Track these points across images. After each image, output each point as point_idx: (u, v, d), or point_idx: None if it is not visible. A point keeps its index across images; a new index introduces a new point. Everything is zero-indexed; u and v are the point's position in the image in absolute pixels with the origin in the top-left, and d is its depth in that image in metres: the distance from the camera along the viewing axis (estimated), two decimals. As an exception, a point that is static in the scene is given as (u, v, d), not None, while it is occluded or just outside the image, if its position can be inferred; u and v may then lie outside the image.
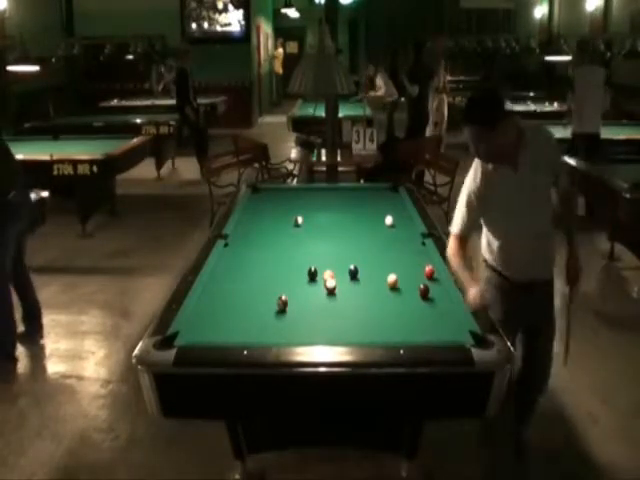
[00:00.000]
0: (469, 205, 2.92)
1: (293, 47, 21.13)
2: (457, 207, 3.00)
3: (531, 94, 12.31)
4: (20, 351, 4.49)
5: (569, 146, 6.96)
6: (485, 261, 3.09)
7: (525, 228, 2.87)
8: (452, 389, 2.36)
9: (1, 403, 3.82)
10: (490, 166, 2.83)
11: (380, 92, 11.64)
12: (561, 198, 3.00)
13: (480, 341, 2.39)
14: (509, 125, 2.73)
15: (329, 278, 2.96)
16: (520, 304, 2.93)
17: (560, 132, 7.20)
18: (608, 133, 7.64)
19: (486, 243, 3.06)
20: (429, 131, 10.01)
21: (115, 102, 12.02)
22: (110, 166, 6.78)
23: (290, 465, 3.09)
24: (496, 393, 2.30)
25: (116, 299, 5.28)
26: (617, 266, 5.93)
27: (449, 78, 11.22)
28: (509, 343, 2.41)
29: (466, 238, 2.98)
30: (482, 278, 3.07)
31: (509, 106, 11.15)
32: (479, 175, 2.87)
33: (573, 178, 3.05)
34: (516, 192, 2.81)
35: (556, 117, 7.87)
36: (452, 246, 2.98)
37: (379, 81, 11.62)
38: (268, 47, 18.33)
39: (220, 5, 14.22)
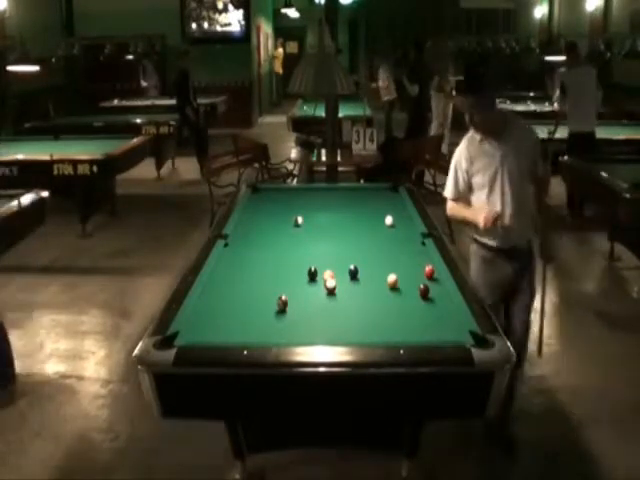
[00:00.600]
0: (459, 173, 3.27)
1: (293, 47, 21.13)
2: (448, 176, 3.35)
3: (531, 94, 12.30)
4: (20, 351, 4.49)
5: (566, 146, 6.94)
6: (473, 238, 3.38)
7: (506, 198, 3.19)
8: (452, 389, 2.36)
9: (1, 403, 3.82)
10: (478, 139, 3.21)
11: (380, 84, 11.66)
12: (538, 184, 3.34)
13: (480, 341, 2.39)
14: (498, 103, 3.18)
15: (329, 278, 2.96)
16: (503, 271, 3.26)
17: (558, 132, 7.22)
18: (608, 133, 7.64)
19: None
20: (434, 129, 10.00)
21: (115, 102, 12.03)
22: (110, 166, 6.78)
23: (290, 465, 3.09)
24: (496, 393, 2.31)
25: (116, 299, 5.28)
26: (617, 266, 5.93)
27: (452, 78, 11.23)
28: (495, 318, 2.54)
29: (459, 201, 3.33)
30: (470, 253, 3.40)
31: (509, 106, 11.18)
32: (468, 147, 3.24)
33: (549, 167, 3.57)
34: (499, 165, 3.17)
35: (554, 117, 7.86)
36: (450, 205, 3.36)
37: (381, 74, 11.64)
38: (268, 47, 18.33)
39: (220, 5, 14.22)
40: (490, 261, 3.28)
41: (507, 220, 3.19)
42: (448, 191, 3.34)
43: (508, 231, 3.21)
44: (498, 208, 3.17)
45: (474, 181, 3.24)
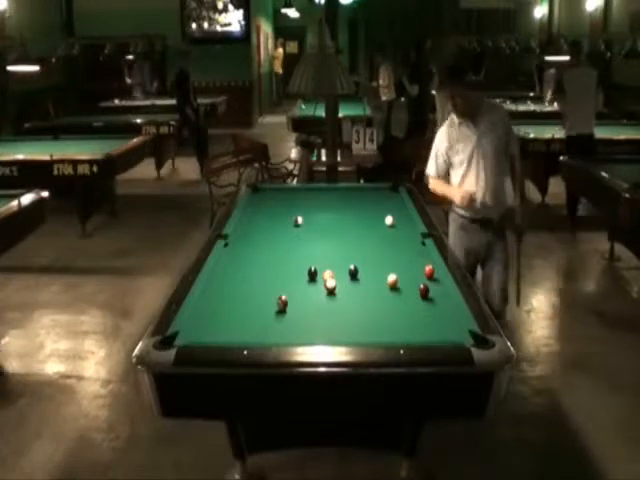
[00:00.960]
0: (440, 152, 3.73)
1: (293, 47, 21.15)
2: (430, 156, 3.80)
3: (531, 94, 12.30)
4: (20, 351, 4.50)
5: (565, 148, 6.92)
6: (452, 210, 3.86)
7: (481, 175, 3.64)
8: (452, 389, 2.35)
9: (1, 403, 3.82)
10: (457, 122, 3.66)
11: (380, 83, 11.66)
12: (511, 165, 3.75)
13: (480, 341, 2.39)
14: (478, 91, 3.70)
15: (329, 278, 2.95)
16: (476, 239, 3.73)
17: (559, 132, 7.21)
18: (608, 133, 7.64)
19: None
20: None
21: (115, 102, 12.02)
22: (110, 166, 6.78)
23: (290, 465, 3.09)
24: (496, 393, 2.30)
25: (116, 299, 5.28)
26: (617, 266, 5.94)
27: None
28: (472, 278, 2.75)
29: (440, 177, 3.79)
30: (449, 220, 3.89)
31: (509, 106, 11.19)
32: (448, 129, 3.70)
33: (520, 151, 3.91)
34: (476, 145, 3.61)
35: (557, 117, 7.85)
36: (433, 182, 3.83)
37: (382, 73, 11.64)
38: (268, 47, 18.33)
39: (220, 5, 14.23)
40: (465, 229, 3.76)
41: (482, 195, 3.63)
42: (431, 169, 3.81)
43: (482, 205, 3.65)
44: (474, 184, 3.63)
45: (453, 160, 3.69)
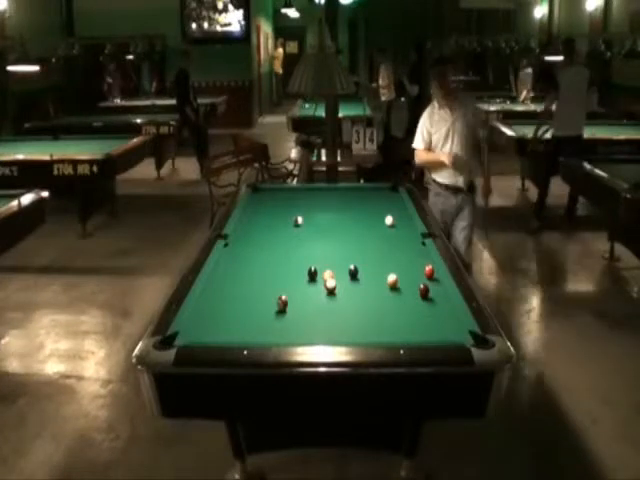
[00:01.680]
0: (424, 130, 4.65)
1: (293, 47, 21.16)
2: (417, 132, 4.70)
3: (531, 94, 12.30)
4: (20, 351, 4.50)
5: (552, 149, 6.84)
6: (430, 182, 4.80)
7: (453, 150, 4.55)
8: (452, 389, 2.35)
9: (1, 403, 3.82)
10: (437, 108, 4.61)
11: (380, 83, 11.66)
12: (479, 144, 4.70)
13: (480, 341, 2.39)
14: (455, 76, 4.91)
15: (329, 278, 2.95)
16: (449, 202, 4.69)
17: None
18: (608, 133, 7.64)
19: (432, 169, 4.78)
20: None
21: (115, 102, 12.01)
22: (110, 166, 6.78)
23: (290, 465, 3.09)
24: (496, 393, 2.30)
25: (116, 299, 5.28)
26: (617, 266, 5.94)
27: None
28: (446, 238, 3.07)
29: (426, 150, 4.66)
30: (429, 192, 4.83)
31: (509, 106, 11.21)
32: (430, 112, 4.65)
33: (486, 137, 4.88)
34: (450, 127, 4.55)
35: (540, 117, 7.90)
36: (420, 152, 4.72)
37: (382, 72, 11.64)
38: (268, 47, 18.33)
39: (220, 5, 14.23)
40: (440, 195, 4.71)
41: (453, 165, 4.56)
42: (418, 143, 4.70)
43: (453, 173, 4.62)
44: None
45: (433, 137, 4.61)
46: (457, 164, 4.55)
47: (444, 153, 4.57)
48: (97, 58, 12.88)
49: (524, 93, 11.80)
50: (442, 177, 4.68)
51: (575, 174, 6.16)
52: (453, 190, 4.66)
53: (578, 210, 7.14)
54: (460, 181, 4.65)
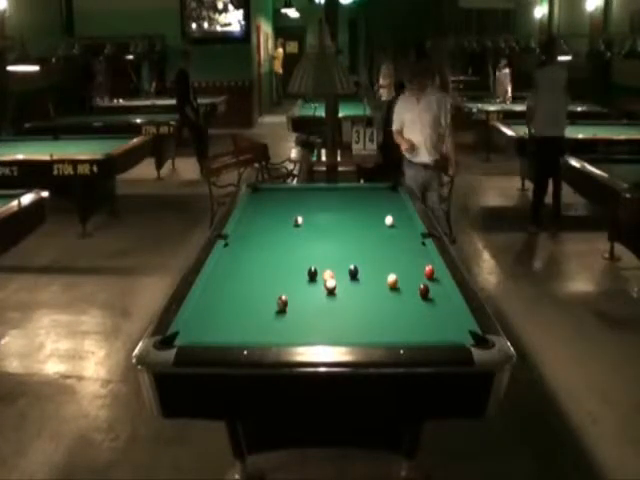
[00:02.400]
0: (399, 115, 5.67)
1: (293, 47, 21.16)
2: (393, 117, 5.74)
3: (531, 94, 12.29)
4: (20, 351, 4.50)
5: (534, 149, 6.78)
6: (405, 158, 5.75)
7: (423, 132, 5.55)
8: (452, 389, 2.35)
9: (1, 403, 3.82)
10: (408, 96, 5.65)
11: (380, 82, 11.66)
12: (444, 130, 5.61)
13: (480, 341, 2.39)
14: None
15: (329, 278, 2.95)
16: (420, 175, 5.67)
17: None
18: (608, 133, 7.65)
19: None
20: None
21: (115, 102, 12.01)
22: (110, 166, 6.78)
23: (290, 465, 3.09)
24: (496, 393, 2.30)
25: (116, 299, 5.28)
26: (617, 266, 5.94)
27: (452, 78, 11.25)
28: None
29: (400, 132, 5.67)
30: (405, 166, 5.81)
31: (508, 106, 11.22)
32: (403, 99, 5.74)
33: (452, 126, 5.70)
34: (419, 113, 5.53)
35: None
36: (396, 134, 5.71)
37: (383, 71, 11.64)
38: (268, 47, 18.33)
39: (220, 5, 14.22)
40: (412, 168, 5.72)
41: (422, 145, 5.57)
42: (395, 125, 5.70)
43: (422, 152, 5.60)
44: (417, 137, 5.56)
45: (405, 121, 5.60)
46: (417, 146, 5.59)
47: (406, 141, 5.59)
48: (97, 58, 12.88)
49: (504, 94, 11.83)
50: (413, 155, 5.67)
51: (575, 174, 6.16)
52: (421, 166, 5.67)
53: (577, 210, 7.14)
54: (426, 157, 5.63)
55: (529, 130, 6.93)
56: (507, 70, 12.21)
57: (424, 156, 5.61)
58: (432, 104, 5.52)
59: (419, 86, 5.55)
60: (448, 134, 5.66)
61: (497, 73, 12.51)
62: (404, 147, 5.58)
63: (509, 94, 11.77)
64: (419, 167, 5.65)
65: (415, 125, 5.54)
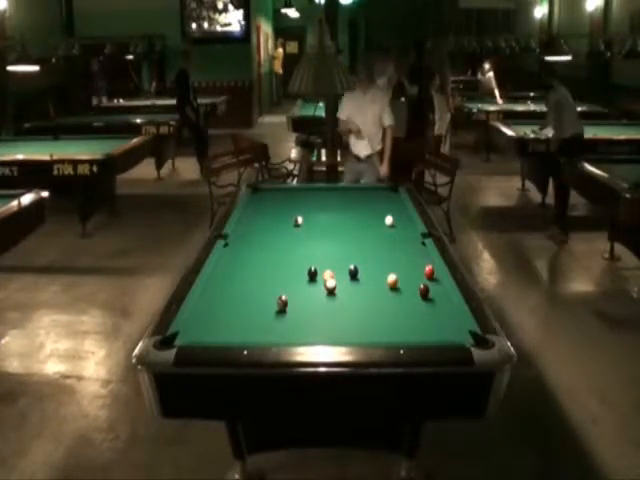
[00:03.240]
0: (344, 106, 6.00)
1: (293, 47, 21.14)
2: (340, 108, 6.08)
3: (531, 94, 12.31)
4: (20, 351, 4.50)
5: (559, 150, 6.83)
6: (348, 150, 6.11)
7: (363, 127, 5.85)
8: (452, 389, 2.36)
9: (1, 403, 3.82)
10: (354, 92, 5.81)
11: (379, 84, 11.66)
12: (384, 127, 5.90)
13: (480, 341, 2.39)
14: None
15: (329, 278, 2.95)
16: (357, 167, 6.05)
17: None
18: (608, 133, 7.64)
19: (349, 137, 6.09)
20: (437, 130, 10.01)
21: (115, 102, 12.01)
22: (110, 166, 6.77)
23: (290, 465, 3.09)
24: (496, 393, 2.30)
25: (116, 299, 5.28)
26: (617, 266, 5.94)
27: (452, 78, 11.24)
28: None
29: (345, 122, 5.99)
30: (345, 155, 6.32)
31: (508, 106, 11.22)
32: (349, 95, 5.89)
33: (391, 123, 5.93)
34: (361, 107, 5.86)
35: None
36: (341, 122, 6.04)
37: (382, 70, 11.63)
38: (268, 47, 18.33)
39: (220, 5, 14.22)
40: (350, 160, 6.10)
41: (362, 138, 5.89)
42: (341, 115, 6.02)
43: (360, 144, 5.94)
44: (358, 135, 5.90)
45: (348, 114, 5.92)
46: (360, 134, 5.89)
47: (353, 123, 5.90)
48: (97, 58, 12.89)
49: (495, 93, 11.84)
50: (354, 148, 6.02)
51: (575, 174, 6.15)
52: (357, 159, 6.00)
53: (577, 210, 7.13)
54: (366, 152, 5.94)
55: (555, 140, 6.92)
56: (491, 74, 12.21)
57: (361, 148, 5.93)
58: (376, 99, 5.88)
59: (367, 80, 5.94)
60: (388, 133, 5.89)
61: (480, 77, 12.49)
62: (352, 128, 5.87)
63: (498, 98, 11.73)
64: (356, 159, 6.00)
65: (357, 117, 5.84)
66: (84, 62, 12.59)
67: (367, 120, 5.81)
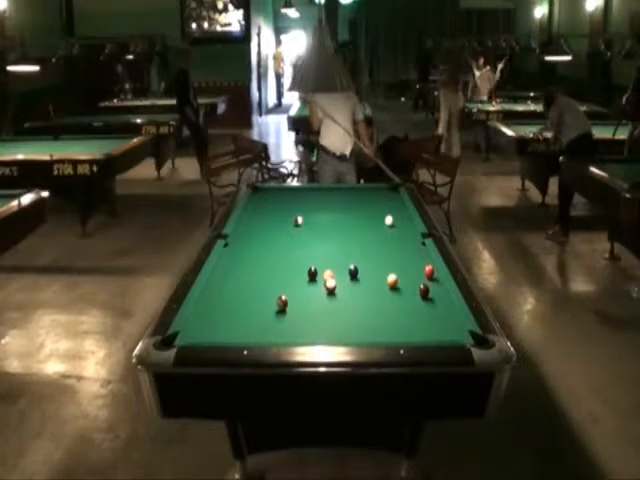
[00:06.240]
0: (319, 104, 5.84)
1: (293, 47, 21.13)
2: (309, 108, 6.11)
3: (531, 94, 12.31)
4: (20, 351, 4.50)
5: (570, 149, 6.84)
6: (322, 147, 5.98)
7: (341, 121, 5.78)
8: (452, 389, 2.35)
9: (1, 403, 3.82)
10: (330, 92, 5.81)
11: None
12: (358, 123, 6.02)
13: (480, 341, 2.39)
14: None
15: (329, 278, 2.95)
16: (335, 168, 5.92)
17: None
18: (608, 133, 7.64)
19: (322, 136, 5.98)
20: (441, 129, 10.04)
21: (115, 102, 12.00)
22: (110, 166, 6.77)
23: (290, 465, 3.09)
24: (496, 393, 2.30)
25: (116, 299, 5.28)
26: (617, 266, 5.93)
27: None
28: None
29: (320, 119, 5.95)
30: (319, 159, 6.10)
31: (509, 106, 11.21)
32: (325, 94, 5.82)
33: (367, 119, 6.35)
34: (335, 105, 5.82)
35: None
36: (316, 120, 5.96)
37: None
38: (268, 47, 18.32)
39: (220, 5, 14.22)
40: (327, 162, 5.94)
41: (337, 133, 5.80)
42: (317, 113, 5.93)
43: (342, 143, 5.87)
44: (335, 127, 5.81)
45: (325, 108, 5.82)
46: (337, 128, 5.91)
47: (329, 126, 5.94)
48: (97, 58, 12.87)
49: (487, 93, 11.83)
50: (329, 145, 5.92)
51: (575, 174, 6.16)
52: (338, 158, 5.91)
53: (577, 210, 7.13)
54: (343, 150, 5.91)
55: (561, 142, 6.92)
56: (488, 68, 12.20)
57: (341, 145, 5.89)
58: (348, 102, 5.90)
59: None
60: (362, 125, 6.06)
61: (477, 72, 12.42)
62: (320, 117, 5.92)
63: (492, 98, 11.68)
64: (334, 159, 5.91)
65: (334, 115, 5.80)
66: (97, 61, 12.61)
67: (343, 117, 5.84)
